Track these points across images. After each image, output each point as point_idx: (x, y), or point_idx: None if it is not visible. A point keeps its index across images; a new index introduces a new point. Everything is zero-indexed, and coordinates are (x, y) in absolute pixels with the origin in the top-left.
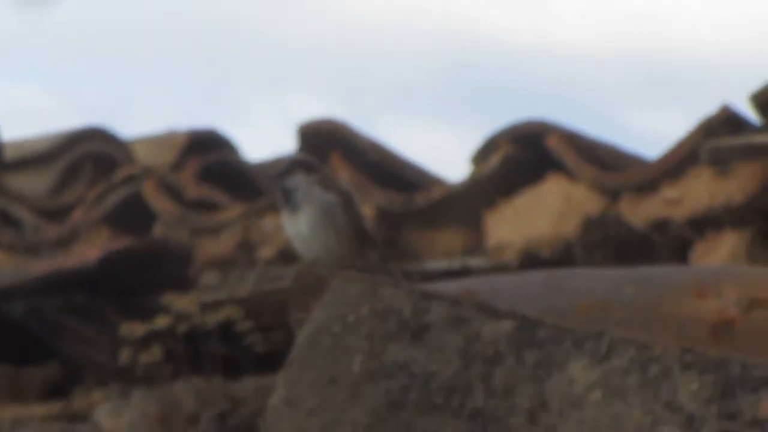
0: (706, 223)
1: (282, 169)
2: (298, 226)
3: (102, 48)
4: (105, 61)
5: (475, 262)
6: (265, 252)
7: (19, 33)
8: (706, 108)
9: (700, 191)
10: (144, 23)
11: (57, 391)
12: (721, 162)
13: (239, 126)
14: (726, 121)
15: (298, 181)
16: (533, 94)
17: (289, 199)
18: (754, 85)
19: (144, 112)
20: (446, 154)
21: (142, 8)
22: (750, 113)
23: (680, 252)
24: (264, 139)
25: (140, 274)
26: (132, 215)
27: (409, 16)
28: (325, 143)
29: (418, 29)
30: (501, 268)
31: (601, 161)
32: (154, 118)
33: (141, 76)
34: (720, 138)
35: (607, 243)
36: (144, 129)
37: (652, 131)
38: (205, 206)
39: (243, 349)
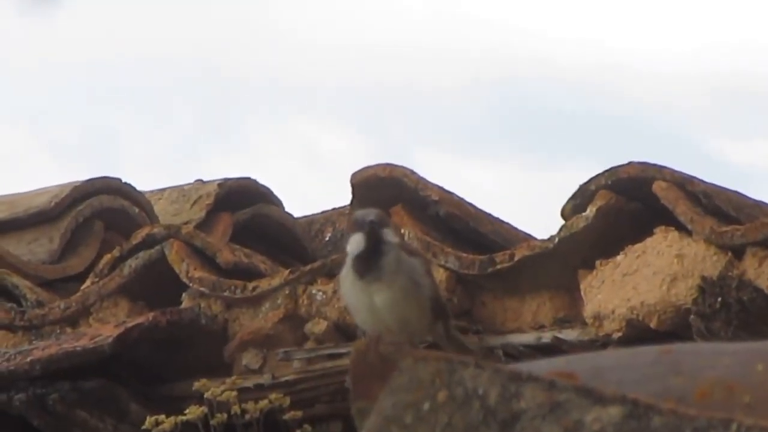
0: None
1: (363, 225)
2: (371, 296)
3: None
4: (70, 94)
5: (569, 335)
6: (316, 326)
7: None
8: None
9: None
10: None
11: None
12: None
13: (244, 162)
14: None
15: (389, 244)
16: (596, 122)
17: (368, 265)
18: None
19: (131, 148)
20: (494, 196)
21: (125, 32)
22: None
23: None
24: (277, 176)
25: (166, 356)
26: (154, 284)
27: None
28: (386, 195)
29: (447, 44)
30: (602, 343)
31: (720, 211)
32: (144, 156)
33: (125, 107)
34: None
35: (729, 310)
36: (137, 170)
37: (743, 165)
38: (242, 273)
39: None
